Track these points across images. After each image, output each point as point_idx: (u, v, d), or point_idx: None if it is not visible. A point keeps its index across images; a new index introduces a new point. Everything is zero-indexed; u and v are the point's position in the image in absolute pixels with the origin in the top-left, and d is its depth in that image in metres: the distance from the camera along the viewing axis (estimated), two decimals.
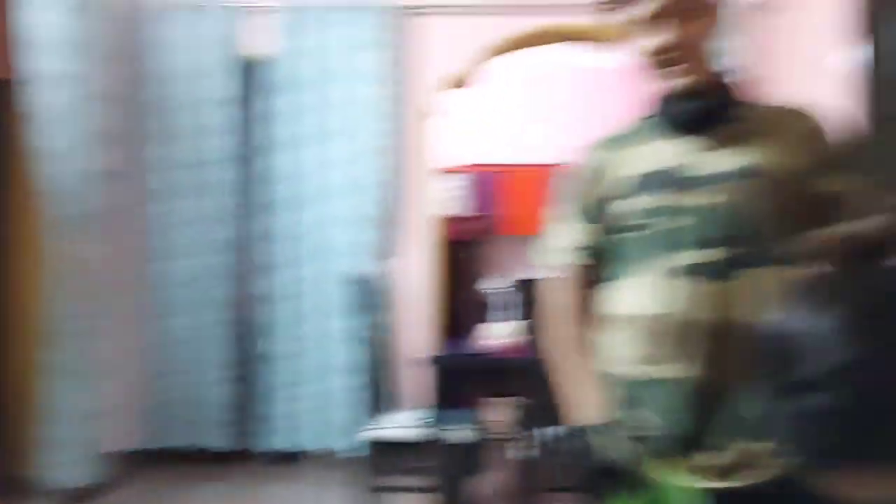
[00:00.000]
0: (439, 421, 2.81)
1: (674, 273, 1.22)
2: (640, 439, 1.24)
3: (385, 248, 4.03)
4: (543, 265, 1.44)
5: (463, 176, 6.71)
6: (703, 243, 1.21)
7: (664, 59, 1.25)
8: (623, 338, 1.27)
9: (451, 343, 3.48)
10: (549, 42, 4.25)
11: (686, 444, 1.20)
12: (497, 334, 2.99)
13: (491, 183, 6.75)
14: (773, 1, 3.90)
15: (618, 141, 1.37)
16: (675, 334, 1.20)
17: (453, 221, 5.10)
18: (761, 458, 1.14)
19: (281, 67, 4.05)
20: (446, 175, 6.00)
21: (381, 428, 3.01)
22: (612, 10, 1.31)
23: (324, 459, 4.04)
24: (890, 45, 2.30)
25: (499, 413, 3.59)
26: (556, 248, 1.42)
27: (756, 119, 1.27)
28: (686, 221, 1.23)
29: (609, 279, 1.34)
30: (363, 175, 4.01)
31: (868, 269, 0.66)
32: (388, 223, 4.02)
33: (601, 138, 1.40)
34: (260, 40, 4.08)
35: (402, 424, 3.02)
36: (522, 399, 2.77)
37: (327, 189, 4.03)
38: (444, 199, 6.12)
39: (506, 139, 6.96)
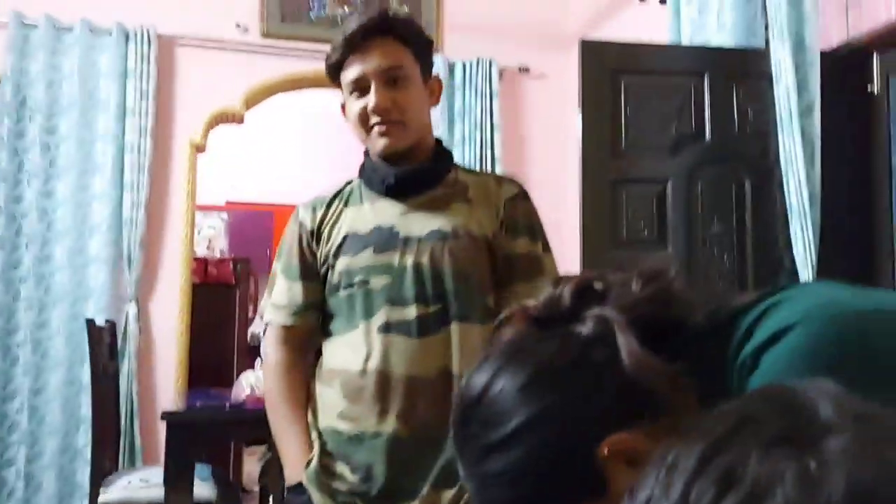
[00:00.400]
0: (174, 478, 2.64)
1: (376, 329, 1.30)
2: (345, 492, 1.29)
3: (135, 291, 3.74)
4: (265, 320, 1.46)
5: (223, 214, 6.49)
6: (401, 301, 1.30)
7: (371, 123, 1.34)
8: (331, 392, 1.33)
9: (202, 394, 3.30)
10: (315, 86, 4.28)
11: (385, 495, 1.27)
12: (248, 384, 2.89)
13: (252, 223, 6.60)
14: (530, 67, 4.29)
15: (332, 201, 1.43)
16: (373, 389, 1.28)
17: (212, 262, 4.88)
18: None
19: (24, 89, 3.65)
20: (205, 213, 5.76)
21: (115, 489, 2.76)
22: (331, 76, 1.39)
23: None
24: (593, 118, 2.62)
25: (246, 467, 3.46)
26: (273, 305, 1.43)
27: (461, 185, 1.40)
28: (387, 280, 1.31)
29: (327, 335, 1.39)
30: (112, 211, 3.71)
31: (550, 333, 0.72)
32: (138, 263, 3.74)
33: (315, 198, 1.46)
34: None
35: (137, 484, 2.79)
36: (267, 452, 2.69)
37: (72, 225, 3.67)
38: (202, 238, 5.85)
39: (269, 179, 6.86)
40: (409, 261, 1.31)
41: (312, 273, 1.40)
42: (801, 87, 2.48)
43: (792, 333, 0.62)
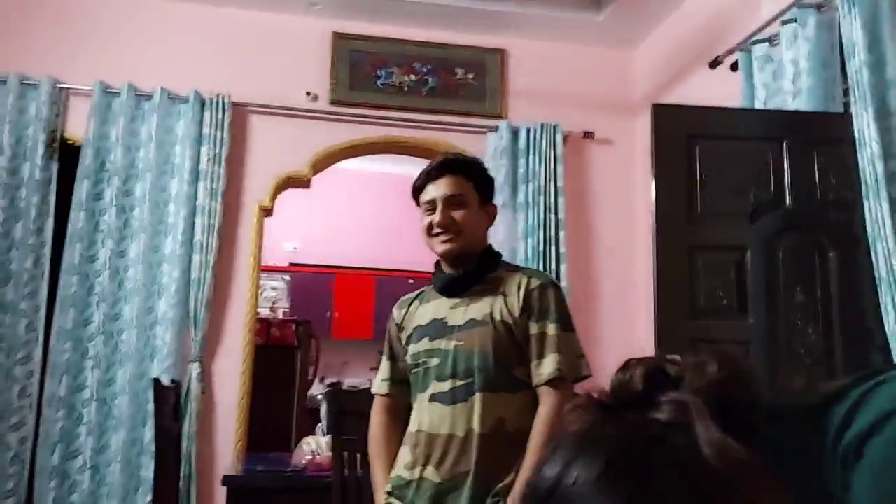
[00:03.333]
0: None
1: (427, 399, 1.74)
2: None
3: (199, 351, 3.77)
4: (374, 391, 1.96)
5: (286, 276, 6.57)
6: (443, 377, 1.73)
7: (434, 233, 1.83)
8: (405, 448, 1.79)
9: (261, 458, 3.26)
10: (382, 151, 4.35)
11: None
12: (309, 449, 2.84)
13: (314, 285, 6.66)
14: (595, 132, 4.28)
15: (413, 300, 1.93)
16: (423, 445, 1.72)
17: (275, 324, 4.91)
18: None
19: (104, 154, 3.80)
20: (268, 274, 5.84)
21: None
22: (414, 196, 1.91)
23: None
24: (667, 183, 2.56)
25: None
26: (377, 379, 1.95)
27: (497, 281, 1.80)
28: (437, 361, 1.75)
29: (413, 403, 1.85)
30: (182, 272, 3.78)
31: (622, 420, 0.67)
32: (203, 323, 3.78)
33: (404, 298, 1.98)
34: (79, 122, 3.83)
35: None
36: None
37: (143, 285, 3.74)
38: (265, 299, 5.91)
39: (331, 242, 6.94)
40: (452, 345, 1.75)
41: (400, 356, 1.90)
42: (887, 152, 2.38)
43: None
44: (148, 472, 3.53)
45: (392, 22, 4.18)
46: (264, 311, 5.63)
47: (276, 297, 6.36)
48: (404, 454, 1.77)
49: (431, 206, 1.84)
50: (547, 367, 1.70)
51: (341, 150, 4.13)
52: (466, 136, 4.16)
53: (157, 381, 3.07)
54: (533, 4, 4.06)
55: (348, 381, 6.85)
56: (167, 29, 4.04)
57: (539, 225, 3.98)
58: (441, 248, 1.83)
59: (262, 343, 4.42)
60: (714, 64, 3.33)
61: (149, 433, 3.57)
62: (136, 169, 3.84)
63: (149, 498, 3.47)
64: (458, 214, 1.82)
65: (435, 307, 1.84)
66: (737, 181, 2.57)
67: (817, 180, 2.55)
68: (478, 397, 1.68)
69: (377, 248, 6.98)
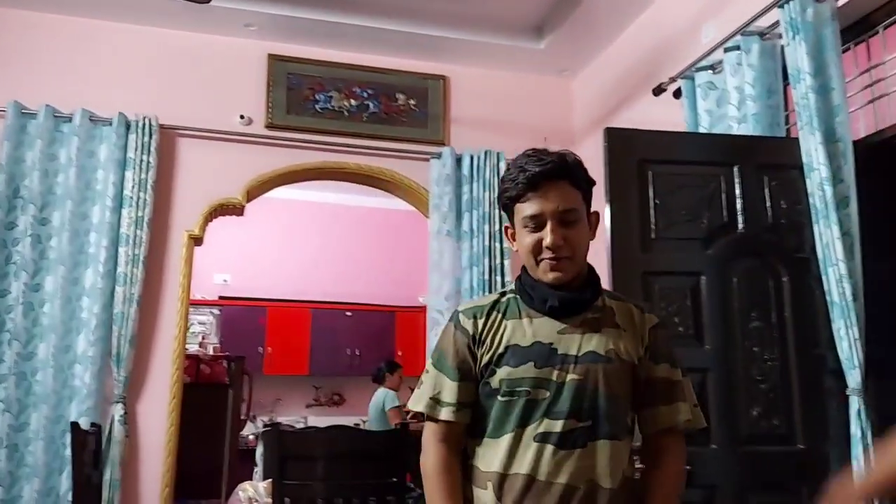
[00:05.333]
0: None
1: (531, 437, 1.42)
2: None
3: (122, 391, 3.49)
4: (421, 411, 1.54)
5: (214, 310, 6.28)
6: (556, 414, 1.42)
7: (543, 256, 1.48)
8: (485, 494, 1.44)
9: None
10: (319, 178, 4.19)
11: None
12: (246, 496, 2.62)
13: (246, 319, 6.39)
14: None
15: (491, 311, 1.54)
16: (519, 490, 1.40)
17: (205, 360, 4.64)
18: None
19: (18, 179, 3.53)
20: (196, 308, 5.56)
21: None
22: (505, 205, 1.53)
23: None
24: (621, 208, 2.50)
25: None
26: (433, 399, 1.52)
27: (608, 310, 1.53)
28: (547, 394, 1.43)
29: (477, 435, 1.50)
30: (103, 307, 3.51)
31: None
32: (127, 361, 3.51)
33: (474, 306, 1.57)
34: None
35: None
36: None
37: (59, 322, 3.46)
38: (193, 334, 5.62)
39: (263, 274, 6.69)
40: (567, 377, 1.44)
41: (472, 375, 1.52)
42: (836, 177, 2.39)
43: None
44: None
45: (331, 45, 4.07)
46: (193, 348, 5.34)
47: (204, 331, 6.07)
48: (487, 500, 1.45)
49: (537, 222, 1.48)
50: (682, 413, 1.50)
51: (276, 176, 3.97)
52: (408, 162, 4.06)
53: (74, 425, 2.81)
54: (475, 32, 4.02)
55: (281, 420, 6.56)
56: (90, 48, 3.82)
57: (484, 253, 3.89)
58: (551, 275, 1.48)
59: (191, 381, 4.15)
60: (657, 91, 3.33)
61: (66, 482, 3.27)
62: (53, 195, 3.58)
63: None
64: (572, 234, 1.48)
65: (536, 327, 1.50)
66: (690, 206, 2.53)
67: (769, 204, 2.54)
68: (602, 444, 1.42)
69: (313, 279, 6.77)
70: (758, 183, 2.55)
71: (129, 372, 3.52)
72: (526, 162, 1.51)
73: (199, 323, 6.01)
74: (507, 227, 1.58)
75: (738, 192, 2.54)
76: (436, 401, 1.51)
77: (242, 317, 6.33)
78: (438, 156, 4.03)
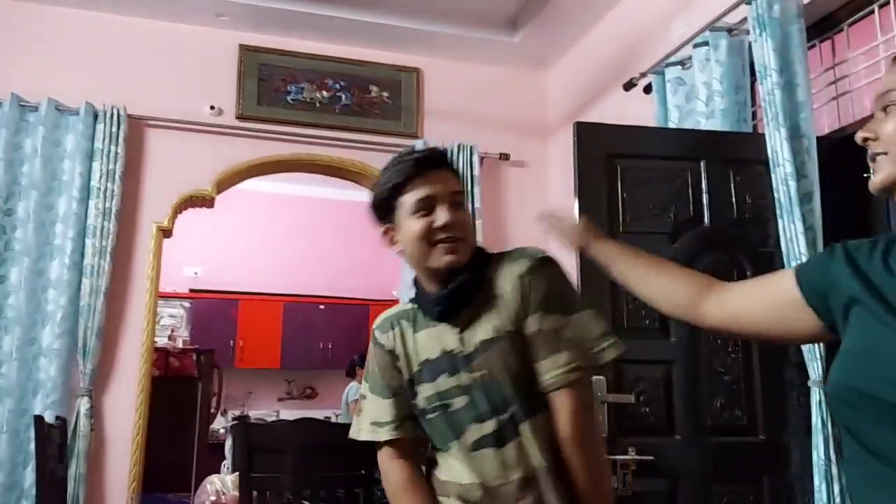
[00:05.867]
0: None
1: (467, 447, 1.41)
2: None
3: (88, 384, 3.45)
4: (363, 437, 1.52)
5: (185, 303, 6.22)
6: (479, 417, 1.40)
7: (438, 238, 1.42)
8: (451, 501, 1.44)
9: (158, 500, 2.99)
10: (291, 170, 4.17)
11: None
12: (214, 489, 2.61)
13: (216, 312, 6.34)
14: (510, 154, 4.25)
15: (401, 322, 1.52)
16: (478, 498, 1.39)
17: (174, 353, 4.60)
18: None
19: None
20: (166, 301, 5.51)
21: None
22: (387, 196, 1.47)
23: None
24: (589, 202, 2.52)
25: None
26: (373, 424, 1.51)
27: (490, 285, 1.44)
28: (465, 401, 1.41)
29: (435, 449, 1.49)
30: (69, 299, 3.46)
31: None
32: (94, 354, 3.46)
33: (386, 319, 1.55)
34: None
35: None
36: None
37: (25, 314, 3.41)
38: (162, 327, 5.56)
39: (234, 267, 6.64)
40: (477, 376, 1.41)
41: (401, 389, 1.50)
42: (800, 173, 2.43)
43: None
44: None
45: (304, 36, 4.04)
46: (162, 341, 5.29)
47: (174, 325, 6.01)
48: None
49: (426, 207, 1.42)
50: (555, 368, 1.37)
51: (247, 167, 3.93)
52: (381, 154, 4.05)
53: (39, 419, 2.77)
54: (449, 24, 4.01)
55: (253, 413, 6.53)
56: (57, 36, 3.76)
57: None
58: (447, 258, 1.42)
59: (160, 374, 4.12)
60: (628, 86, 3.35)
61: (30, 476, 3.23)
62: (18, 186, 3.52)
63: None
64: (462, 217, 1.46)
65: (438, 335, 1.46)
66: (657, 200, 2.56)
67: (734, 199, 2.57)
68: (526, 428, 1.38)
69: (285, 272, 6.74)
70: (724, 178, 2.59)
71: (96, 365, 3.48)
72: (404, 156, 1.49)
73: (170, 316, 5.95)
74: (386, 229, 1.50)
75: (704, 186, 2.57)
76: (376, 424, 1.50)
77: (214, 310, 6.28)
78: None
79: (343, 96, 4.07)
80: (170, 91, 3.85)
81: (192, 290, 6.34)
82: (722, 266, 2.54)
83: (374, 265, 6.87)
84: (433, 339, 1.47)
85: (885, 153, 0.98)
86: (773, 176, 2.47)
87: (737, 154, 2.61)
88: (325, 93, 4.05)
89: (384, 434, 1.49)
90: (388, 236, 1.50)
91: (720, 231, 2.56)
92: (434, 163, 1.47)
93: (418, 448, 1.51)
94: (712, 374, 2.49)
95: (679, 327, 2.50)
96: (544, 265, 1.44)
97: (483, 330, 1.42)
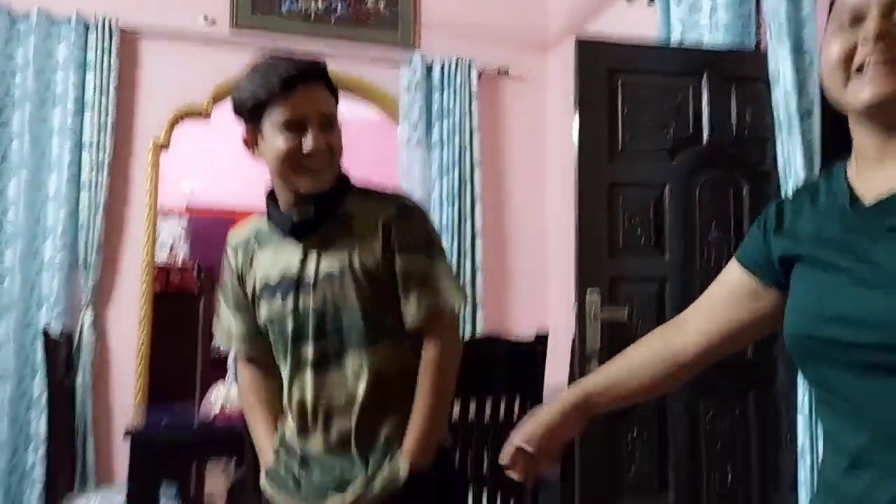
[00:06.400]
0: (139, 499, 2.44)
1: (293, 367, 1.46)
2: (291, 483, 1.49)
3: (91, 298, 3.50)
4: (221, 344, 1.60)
5: (182, 220, 6.23)
6: (304, 340, 1.44)
7: (304, 164, 1.39)
8: (286, 417, 1.52)
9: (164, 409, 3.08)
10: None
11: (324, 487, 1.45)
12: (219, 400, 2.69)
13: (215, 229, 6.36)
14: (509, 69, 4.18)
15: (249, 240, 1.53)
16: (296, 414, 1.46)
17: (174, 270, 4.64)
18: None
19: None
20: (164, 217, 5.52)
21: None
22: (250, 110, 1.41)
23: None
24: (590, 119, 2.51)
25: (213, 484, 3.26)
26: (226, 331, 1.57)
27: (347, 218, 1.46)
28: (294, 324, 1.44)
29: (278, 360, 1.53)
30: (69, 213, 3.47)
31: None
32: (95, 269, 3.50)
33: (236, 236, 1.56)
34: None
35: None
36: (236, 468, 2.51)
37: (25, 228, 3.42)
38: (161, 244, 5.60)
39: (232, 182, 6.62)
40: (310, 303, 1.43)
41: (247, 307, 1.54)
42: (801, 89, 2.40)
43: None
44: (38, 427, 3.30)
45: None
46: (162, 258, 5.33)
47: (172, 242, 6.05)
48: (288, 424, 1.52)
49: (294, 127, 1.37)
50: (422, 306, 1.43)
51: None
52: (377, 68, 3.98)
53: (46, 334, 2.83)
54: None
55: None
56: None
57: (454, 164, 3.89)
58: (310, 183, 1.41)
59: (161, 291, 4.17)
60: None
61: (38, 387, 3.32)
62: (11, 98, 3.47)
63: (40, 453, 3.25)
64: (333, 139, 1.41)
65: (281, 257, 1.47)
66: (657, 117, 2.54)
67: (734, 117, 2.56)
68: (352, 357, 1.42)
69: None
70: (724, 95, 2.56)
71: (98, 280, 3.53)
72: (276, 63, 1.39)
73: (168, 233, 5.97)
74: (248, 136, 1.45)
75: (704, 103, 2.55)
76: (229, 333, 1.56)
77: (212, 226, 6.29)
78: (409, 62, 3.95)
79: (338, 6, 3.97)
80: (161, 1, 3.75)
81: (189, 207, 6.34)
82: (719, 185, 2.55)
83: (371, 176, 6.85)
84: (277, 259, 1.47)
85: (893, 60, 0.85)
86: (773, 92, 2.44)
87: (738, 71, 2.58)
88: (319, 2, 3.94)
89: (235, 345, 1.56)
90: (250, 141, 1.45)
91: (719, 149, 2.56)
92: (307, 78, 1.38)
93: (267, 355, 1.53)
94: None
95: (674, 245, 2.53)
96: (414, 210, 1.49)
97: (332, 260, 1.43)
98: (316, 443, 1.45)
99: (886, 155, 0.89)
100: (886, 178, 0.89)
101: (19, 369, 3.37)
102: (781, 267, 0.98)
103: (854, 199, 0.92)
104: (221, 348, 1.61)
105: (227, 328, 1.56)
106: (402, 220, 1.46)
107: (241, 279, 1.53)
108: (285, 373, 1.48)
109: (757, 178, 2.54)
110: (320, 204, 1.43)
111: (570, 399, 1.11)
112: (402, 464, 1.41)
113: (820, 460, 1.03)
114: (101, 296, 3.58)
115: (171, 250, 5.85)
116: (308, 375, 1.44)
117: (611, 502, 2.43)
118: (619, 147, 2.52)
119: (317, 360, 1.43)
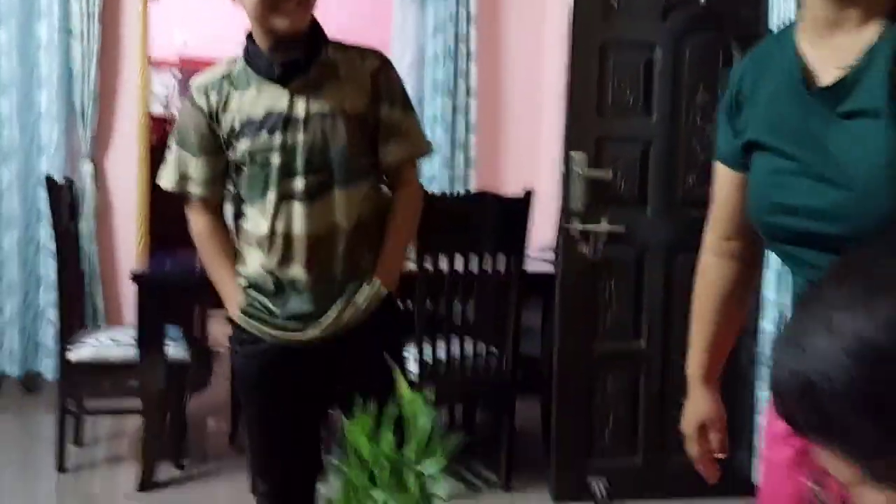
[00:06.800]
0: (147, 339, 2.62)
1: (278, 198, 1.54)
2: (268, 318, 1.60)
3: (90, 148, 3.56)
4: (169, 187, 1.63)
5: (175, 71, 6.16)
6: (292, 174, 1.53)
7: (282, 3, 1.44)
8: (253, 249, 1.59)
9: (165, 255, 3.23)
10: None
11: (303, 320, 1.58)
12: None
13: None
14: None
15: (221, 83, 1.57)
16: (280, 246, 1.54)
17: (171, 122, 4.65)
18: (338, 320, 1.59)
19: None
20: (156, 70, 5.45)
21: (85, 347, 2.74)
22: None
23: (28, 382, 3.59)
24: None
25: (211, 326, 3.47)
26: (182, 176, 1.61)
27: (332, 64, 1.56)
28: (282, 158, 1.53)
29: (242, 201, 1.62)
30: (61, 62, 3.46)
31: None
32: (92, 119, 3.54)
33: (205, 80, 1.59)
34: None
35: (107, 343, 2.77)
36: None
37: (19, 77, 3.43)
38: (156, 96, 5.57)
39: (228, 34, 6.47)
40: (300, 138, 1.52)
41: (215, 148, 1.58)
42: None
43: None
44: (47, 270, 3.46)
45: None
46: (158, 110, 5.32)
47: (167, 94, 6.01)
48: (255, 256, 1.59)
49: None
50: (399, 152, 1.62)
51: None
52: None
53: (49, 179, 2.91)
54: None
55: None
56: None
57: (450, 19, 3.83)
58: (287, 23, 1.47)
59: (158, 142, 4.20)
60: None
61: (44, 232, 3.45)
62: None
63: (51, 297, 3.43)
64: None
65: (264, 96, 1.54)
66: None
67: None
68: (339, 193, 1.55)
69: None
70: None
71: (96, 131, 3.57)
72: None
73: (161, 84, 5.92)
74: None
75: None
76: (184, 178, 1.60)
77: None
78: None
79: None
80: None
81: (182, 59, 6.24)
82: (709, 48, 2.56)
83: (361, 39, 6.70)
84: (259, 98, 1.54)
85: None
86: None
87: None
88: None
89: (193, 188, 1.60)
90: None
91: (712, 10, 2.55)
92: None
93: (222, 203, 1.68)
94: (690, 152, 2.61)
95: (663, 105, 2.58)
96: (392, 66, 1.65)
97: (322, 102, 1.53)
98: (298, 272, 1.55)
99: (838, 24, 0.92)
100: (837, 48, 0.91)
101: (25, 215, 3.48)
102: (748, 153, 1.02)
103: (806, 75, 0.94)
104: (168, 190, 1.64)
105: (181, 172, 1.60)
106: (388, 70, 1.62)
107: (214, 119, 1.56)
108: (264, 207, 1.55)
109: (749, 41, 2.54)
110: (303, 48, 1.52)
111: (699, 386, 1.17)
112: (378, 283, 1.60)
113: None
114: (100, 146, 3.63)
115: (166, 102, 5.83)
116: (296, 207, 1.54)
117: (588, 345, 2.62)
118: (615, 5, 2.52)
119: (307, 193, 1.53)
